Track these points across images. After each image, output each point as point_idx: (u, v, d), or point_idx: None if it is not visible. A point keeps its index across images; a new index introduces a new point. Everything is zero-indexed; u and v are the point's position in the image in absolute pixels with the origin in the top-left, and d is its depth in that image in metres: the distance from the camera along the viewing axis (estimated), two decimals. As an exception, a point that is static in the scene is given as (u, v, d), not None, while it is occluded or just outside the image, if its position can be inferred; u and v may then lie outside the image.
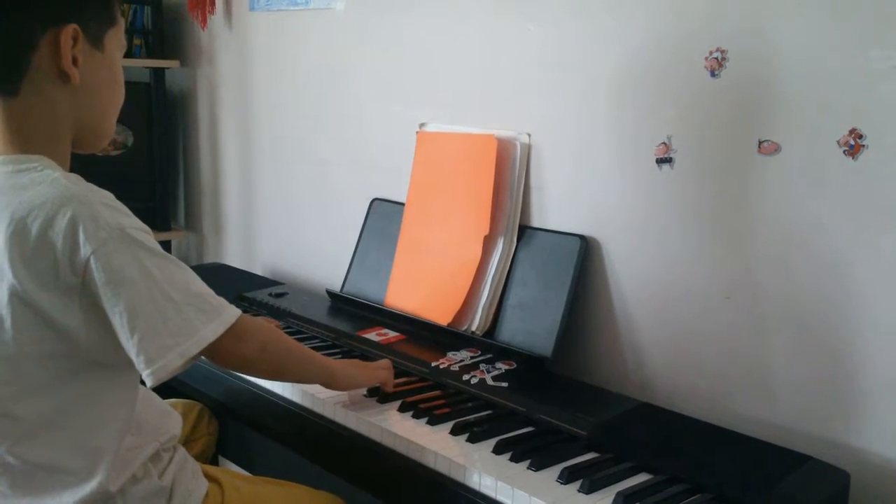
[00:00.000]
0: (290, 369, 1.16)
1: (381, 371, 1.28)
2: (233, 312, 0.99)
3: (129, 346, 0.92)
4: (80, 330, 0.92)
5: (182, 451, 1.13)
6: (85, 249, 0.89)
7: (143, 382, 0.98)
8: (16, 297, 0.90)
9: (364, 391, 1.29)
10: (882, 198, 1.12)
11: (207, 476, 1.15)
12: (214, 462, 1.53)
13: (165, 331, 0.92)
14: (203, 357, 0.99)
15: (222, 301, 1.00)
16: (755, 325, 1.26)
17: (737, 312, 1.28)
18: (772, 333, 1.25)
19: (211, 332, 0.96)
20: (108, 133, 1.06)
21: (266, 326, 1.10)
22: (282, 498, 1.21)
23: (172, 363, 0.92)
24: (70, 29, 0.95)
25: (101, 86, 1.01)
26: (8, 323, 0.91)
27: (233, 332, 0.98)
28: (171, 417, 1.14)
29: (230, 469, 1.41)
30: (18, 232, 0.89)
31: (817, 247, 1.19)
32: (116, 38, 1.03)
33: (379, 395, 1.28)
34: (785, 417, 1.24)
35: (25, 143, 0.96)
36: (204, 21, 2.33)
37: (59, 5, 0.95)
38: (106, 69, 1.01)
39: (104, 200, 0.92)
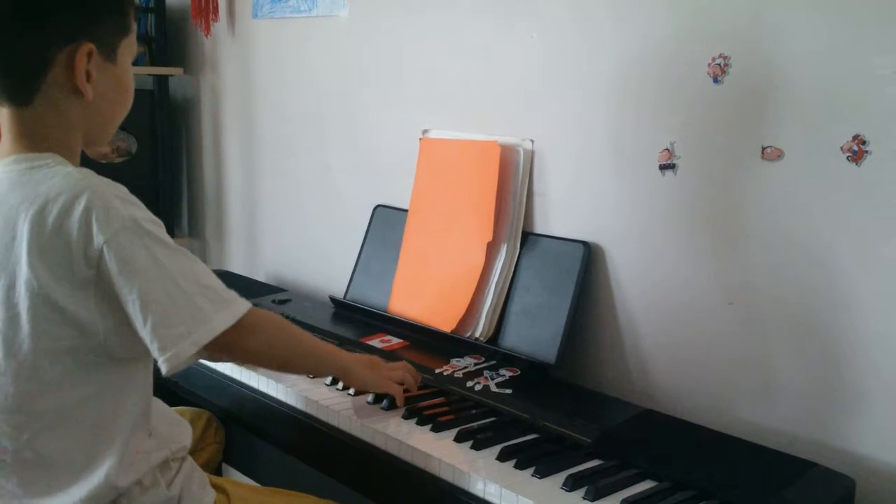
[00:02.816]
0: (299, 363, 1.18)
1: (393, 383, 1.27)
2: (243, 304, 1.01)
3: (144, 333, 0.94)
4: (95, 322, 0.94)
5: (190, 460, 1.13)
6: (98, 239, 0.91)
7: (156, 382, 0.98)
8: (32, 293, 0.92)
9: (369, 398, 1.29)
10: (886, 203, 1.12)
11: (214, 486, 1.15)
12: (219, 471, 1.53)
13: (178, 319, 0.94)
14: (214, 351, 0.99)
15: (233, 293, 1.01)
16: (759, 331, 1.26)
17: (741, 319, 1.28)
18: (776, 340, 1.25)
19: (221, 321, 0.97)
20: (111, 136, 1.08)
21: (276, 319, 1.11)
22: (288, 507, 1.21)
23: (186, 351, 0.94)
24: (86, 48, 0.97)
25: (112, 96, 1.03)
26: (25, 319, 0.93)
27: (242, 323, 1.00)
28: (182, 427, 1.14)
29: (237, 479, 1.42)
30: (35, 225, 0.91)
31: (822, 253, 1.19)
32: (129, 46, 1.05)
33: (384, 402, 1.28)
34: (790, 424, 1.24)
35: (37, 144, 0.98)
36: (207, 28, 2.34)
37: (76, 23, 0.97)
38: (117, 79, 1.03)
39: (117, 193, 0.94)
